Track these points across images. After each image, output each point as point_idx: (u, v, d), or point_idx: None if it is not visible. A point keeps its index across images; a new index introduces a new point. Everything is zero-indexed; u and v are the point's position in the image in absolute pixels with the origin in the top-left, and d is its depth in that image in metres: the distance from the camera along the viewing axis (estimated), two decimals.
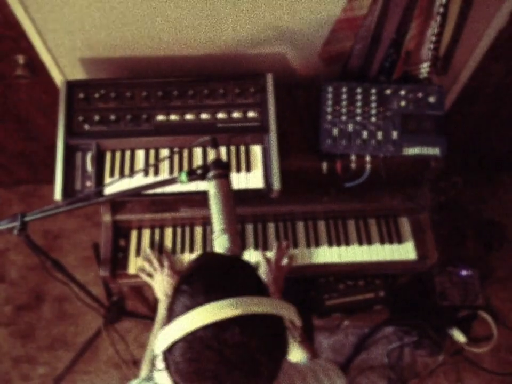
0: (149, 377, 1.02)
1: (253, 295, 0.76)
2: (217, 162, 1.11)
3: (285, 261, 1.62)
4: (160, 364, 0.77)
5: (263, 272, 1.53)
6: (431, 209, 1.75)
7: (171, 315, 0.78)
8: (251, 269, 0.85)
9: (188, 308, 0.74)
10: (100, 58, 1.69)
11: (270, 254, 1.64)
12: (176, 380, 0.75)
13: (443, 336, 2.24)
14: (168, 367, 0.76)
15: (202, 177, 1.11)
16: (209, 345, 0.71)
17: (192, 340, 0.72)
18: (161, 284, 1.52)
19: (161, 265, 1.58)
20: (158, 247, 1.67)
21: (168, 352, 0.75)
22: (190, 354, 0.72)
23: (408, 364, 2.28)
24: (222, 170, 1.10)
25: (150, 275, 1.58)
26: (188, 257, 1.65)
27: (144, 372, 1.27)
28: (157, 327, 1.40)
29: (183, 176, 1.13)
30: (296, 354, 1.26)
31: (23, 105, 2.02)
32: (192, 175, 1.12)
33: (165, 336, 0.75)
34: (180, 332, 0.72)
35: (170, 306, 0.80)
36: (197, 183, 1.30)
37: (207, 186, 1.10)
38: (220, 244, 1.01)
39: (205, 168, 1.11)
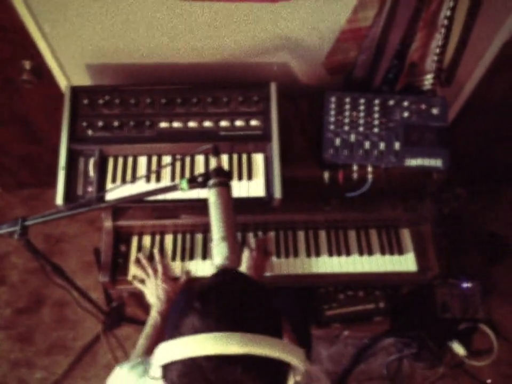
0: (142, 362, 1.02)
1: (265, 334, 0.72)
2: (218, 171, 1.11)
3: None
4: (155, 372, 0.76)
5: (245, 257, 1.54)
6: (433, 220, 1.75)
7: (175, 329, 0.76)
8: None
9: (195, 329, 0.72)
10: (105, 64, 1.70)
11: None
12: None
13: (443, 349, 2.22)
14: (165, 378, 0.75)
15: (203, 185, 1.11)
16: (207, 377, 0.69)
17: (191, 365, 0.70)
18: (154, 289, 1.52)
19: (155, 271, 1.58)
20: (149, 253, 1.66)
21: (166, 368, 0.74)
22: (186, 380, 0.71)
23: (407, 376, 2.26)
24: (222, 178, 1.10)
25: (142, 281, 1.58)
26: (188, 264, 1.65)
27: None
28: (147, 331, 1.39)
29: (184, 184, 1.13)
30: None
31: (29, 109, 2.03)
32: (193, 182, 1.12)
33: (165, 351, 0.73)
34: (181, 354, 0.71)
35: (176, 320, 0.77)
36: (198, 190, 1.31)
37: (208, 194, 1.10)
38: (219, 252, 1.01)
39: (206, 176, 1.11)
